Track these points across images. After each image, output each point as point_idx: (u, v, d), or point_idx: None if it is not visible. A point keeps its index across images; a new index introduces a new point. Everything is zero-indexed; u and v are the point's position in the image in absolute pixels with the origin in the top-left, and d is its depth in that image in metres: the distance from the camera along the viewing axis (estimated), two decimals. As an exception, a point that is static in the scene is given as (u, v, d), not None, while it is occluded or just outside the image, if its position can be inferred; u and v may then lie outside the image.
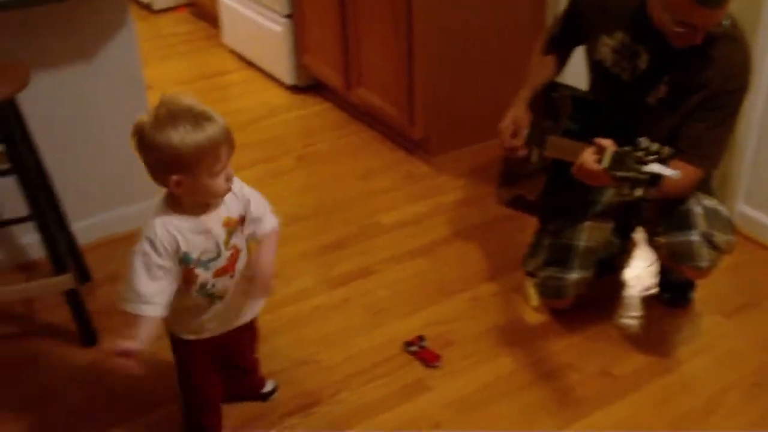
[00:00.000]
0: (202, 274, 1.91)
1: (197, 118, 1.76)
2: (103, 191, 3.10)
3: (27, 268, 3.01)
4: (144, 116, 1.80)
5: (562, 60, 2.61)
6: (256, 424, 2.29)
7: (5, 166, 2.38)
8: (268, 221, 2.05)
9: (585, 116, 2.41)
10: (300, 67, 4.20)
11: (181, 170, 1.78)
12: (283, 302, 2.76)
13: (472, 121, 3.54)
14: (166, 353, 2.16)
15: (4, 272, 2.97)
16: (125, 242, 3.05)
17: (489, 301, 2.75)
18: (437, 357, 2.50)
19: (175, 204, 1.88)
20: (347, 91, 3.84)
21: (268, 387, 2.39)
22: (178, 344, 2.10)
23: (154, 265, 1.84)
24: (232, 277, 1.97)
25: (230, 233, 1.93)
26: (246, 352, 2.30)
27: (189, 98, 1.80)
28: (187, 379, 2.15)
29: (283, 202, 3.34)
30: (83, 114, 2.96)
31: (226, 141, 1.80)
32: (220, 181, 1.83)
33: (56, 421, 2.36)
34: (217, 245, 1.91)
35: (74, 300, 2.56)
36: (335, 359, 2.52)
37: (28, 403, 2.41)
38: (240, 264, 1.98)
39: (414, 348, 2.53)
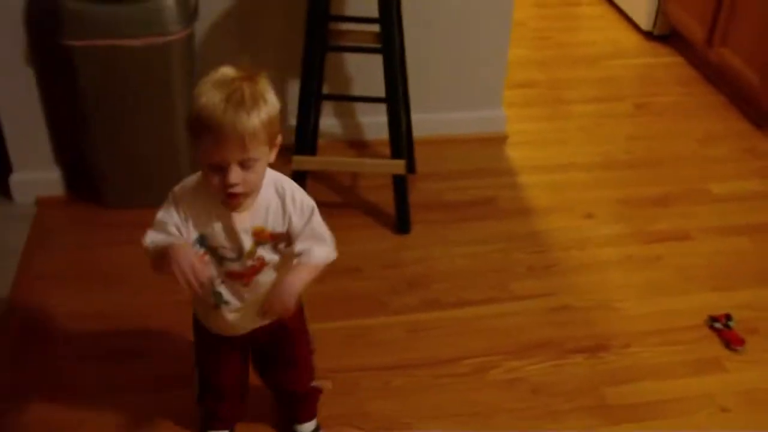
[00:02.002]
0: (212, 268, 1.67)
1: (239, 94, 1.49)
2: (448, 90, 3.17)
3: (356, 146, 3.18)
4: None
5: None
6: (541, 351, 2.30)
7: (375, 45, 2.50)
8: (318, 253, 1.68)
9: None
10: (660, 13, 4.03)
11: (191, 136, 1.55)
12: (596, 243, 2.73)
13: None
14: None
15: (336, 145, 3.16)
16: (453, 145, 3.22)
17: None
18: (741, 341, 2.37)
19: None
20: (707, 48, 3.64)
21: (307, 427, 2.03)
22: (195, 326, 1.88)
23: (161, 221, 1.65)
24: (245, 285, 1.70)
25: (258, 244, 1.65)
26: (279, 361, 1.93)
27: (264, 82, 1.55)
28: (200, 362, 1.94)
29: (611, 144, 3.28)
30: (450, 10, 3.02)
31: (238, 139, 1.48)
32: (214, 177, 1.53)
33: (358, 293, 2.50)
34: (240, 250, 1.65)
35: (400, 186, 2.67)
36: (635, 312, 2.46)
37: (339, 274, 2.53)
38: (262, 278, 1.70)
39: (719, 325, 2.41)
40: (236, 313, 1.74)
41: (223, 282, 1.69)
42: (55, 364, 2.23)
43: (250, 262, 1.67)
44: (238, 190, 1.54)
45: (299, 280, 1.65)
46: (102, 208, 2.79)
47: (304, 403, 2.02)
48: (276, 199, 1.65)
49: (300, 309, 1.87)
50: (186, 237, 1.61)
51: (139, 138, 2.66)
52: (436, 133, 3.19)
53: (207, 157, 1.52)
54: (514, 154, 3.21)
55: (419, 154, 3.02)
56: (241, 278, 1.69)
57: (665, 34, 4.09)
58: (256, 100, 1.50)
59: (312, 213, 1.67)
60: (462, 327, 2.38)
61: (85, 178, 2.82)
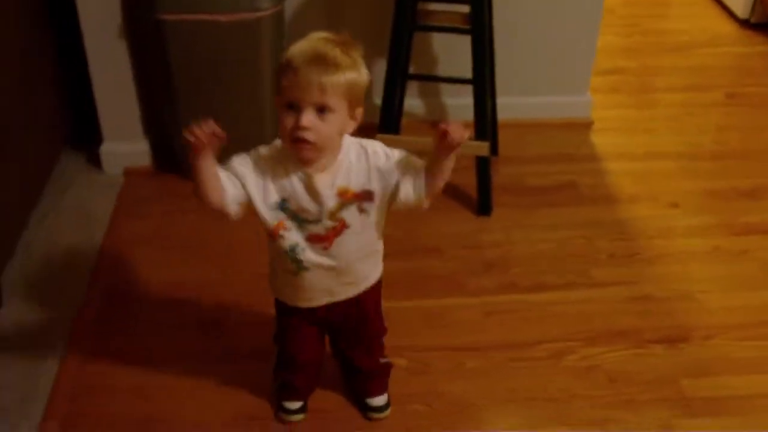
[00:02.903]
0: (293, 233, 1.67)
1: (330, 54, 1.52)
2: (535, 74, 3.14)
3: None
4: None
5: None
6: (619, 339, 2.27)
7: (464, 26, 2.49)
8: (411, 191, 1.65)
9: None
10: (759, 1, 3.90)
11: (277, 82, 1.58)
12: (681, 232, 2.68)
13: None
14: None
15: (420, 125, 3.15)
16: (537, 129, 3.18)
17: None
18: (830, 339, 2.30)
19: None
20: (805, 38, 3.52)
21: (378, 401, 2.03)
22: (276, 303, 1.89)
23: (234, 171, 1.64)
24: (325, 249, 1.68)
25: (342, 205, 1.64)
26: (350, 339, 1.94)
27: (357, 53, 1.57)
28: (281, 338, 1.95)
29: (702, 134, 3.21)
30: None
31: (319, 84, 1.50)
32: (288, 118, 1.54)
33: (436, 273, 2.49)
34: (320, 212, 1.64)
35: (484, 168, 2.66)
36: (718, 304, 2.40)
37: (419, 253, 2.57)
38: (345, 241, 1.68)
39: (806, 322, 2.34)
40: (315, 279, 1.73)
41: (304, 248, 1.68)
42: (137, 331, 2.29)
43: (331, 223, 1.65)
44: (308, 136, 1.53)
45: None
46: (187, 180, 2.83)
47: (374, 380, 2.03)
48: (358, 156, 1.65)
49: (377, 290, 1.87)
50: (250, 195, 1.63)
51: (225, 113, 2.67)
52: (520, 116, 3.15)
53: (285, 96, 1.53)
54: (599, 140, 3.15)
55: (503, 137, 3.00)
56: (322, 241, 1.67)
57: (763, 22, 3.96)
58: (344, 61, 1.52)
59: (402, 154, 1.66)
60: (539, 311, 2.35)
61: (171, 151, 2.88)
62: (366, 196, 1.65)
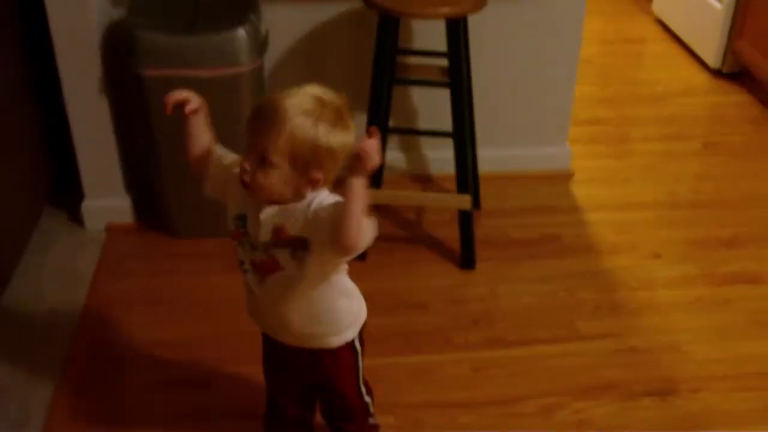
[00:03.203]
0: (243, 251, 1.67)
1: (296, 90, 1.56)
2: (514, 126, 3.16)
3: (421, 180, 3.19)
4: None
5: None
6: (608, 393, 2.26)
7: (443, 79, 2.51)
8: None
9: None
10: (729, 51, 3.98)
11: None
12: (664, 283, 2.69)
13: None
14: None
15: (401, 179, 3.17)
16: (518, 181, 3.20)
17: None
18: (817, 389, 2.30)
19: None
20: (778, 88, 3.59)
21: None
22: (262, 336, 1.88)
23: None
24: (260, 282, 1.67)
25: (275, 243, 1.60)
26: (330, 406, 1.92)
27: (338, 115, 1.56)
28: (265, 377, 1.94)
29: (680, 184, 3.24)
30: (518, 46, 3.02)
31: (261, 135, 1.52)
32: (242, 162, 1.56)
33: (423, 328, 2.49)
34: (257, 241, 1.62)
35: (466, 222, 2.66)
36: (704, 355, 2.40)
37: (404, 308, 2.57)
38: (277, 283, 1.65)
39: (793, 372, 2.35)
40: (260, 305, 1.73)
41: (247, 269, 1.69)
42: (122, 391, 2.25)
43: (263, 257, 1.63)
44: (245, 178, 1.55)
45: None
46: (170, 237, 2.83)
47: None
48: (309, 204, 1.59)
49: (344, 359, 1.81)
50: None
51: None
52: (500, 168, 3.17)
53: (247, 140, 1.56)
54: (580, 191, 3.18)
55: (484, 189, 3.01)
56: (259, 272, 1.66)
57: (735, 72, 4.03)
58: (296, 120, 1.51)
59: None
60: (527, 366, 2.35)
61: (153, 207, 2.86)
62: (299, 243, 1.59)
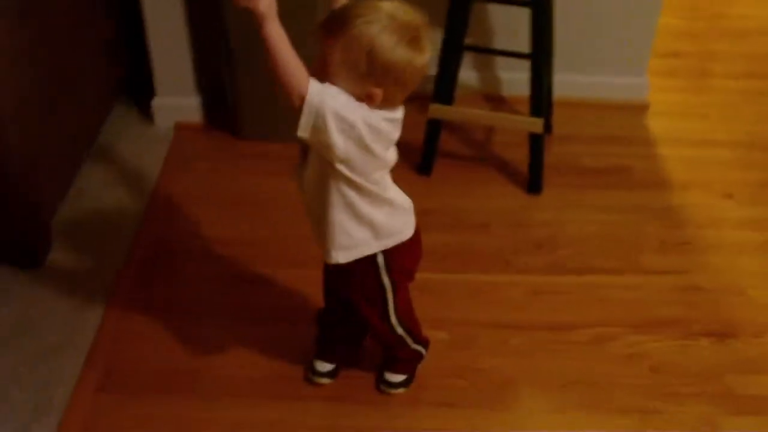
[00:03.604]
0: None
1: (371, 2, 1.49)
2: (593, 52, 3.07)
3: (493, 101, 3.14)
4: None
5: None
6: (665, 329, 2.23)
7: (525, -1, 2.45)
8: None
9: None
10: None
11: None
12: (733, 224, 2.62)
13: None
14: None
15: (473, 98, 3.12)
16: (592, 109, 3.12)
17: None
18: None
19: None
20: None
21: (393, 377, 2.00)
22: None
23: None
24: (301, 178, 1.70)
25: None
26: (348, 299, 1.85)
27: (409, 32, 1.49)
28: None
29: (760, 124, 3.14)
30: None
31: (330, 32, 1.48)
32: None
33: (483, 249, 2.47)
34: None
35: (536, 145, 2.62)
36: (770, 301, 2.36)
37: (466, 227, 2.55)
38: (306, 175, 1.67)
39: None
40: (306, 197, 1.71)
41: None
42: (179, 284, 2.30)
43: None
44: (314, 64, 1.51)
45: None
46: (236, 138, 2.84)
47: (398, 363, 1.99)
48: None
49: (367, 276, 1.75)
50: None
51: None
52: (575, 94, 3.09)
53: None
54: (655, 124, 3.09)
55: (557, 114, 2.95)
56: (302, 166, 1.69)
57: (830, 13, 3.86)
58: (360, 23, 1.45)
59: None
60: (585, 294, 2.32)
61: (222, 108, 2.87)
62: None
